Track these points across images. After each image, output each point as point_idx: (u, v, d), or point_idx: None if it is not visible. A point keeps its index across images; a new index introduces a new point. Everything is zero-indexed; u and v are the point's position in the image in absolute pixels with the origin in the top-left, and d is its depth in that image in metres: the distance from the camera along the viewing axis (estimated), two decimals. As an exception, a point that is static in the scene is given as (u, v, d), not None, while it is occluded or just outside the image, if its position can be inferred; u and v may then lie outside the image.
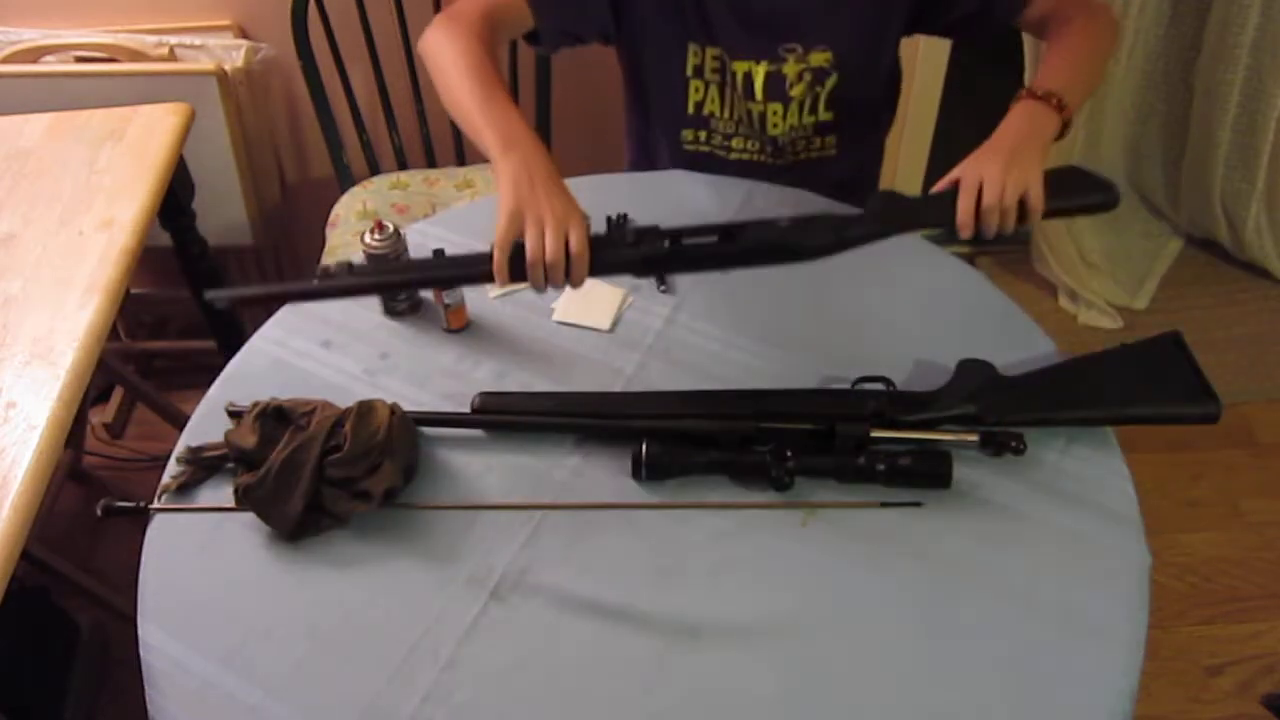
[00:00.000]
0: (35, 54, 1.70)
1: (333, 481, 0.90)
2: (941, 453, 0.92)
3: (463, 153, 1.82)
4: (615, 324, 1.11)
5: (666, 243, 0.91)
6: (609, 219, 1.22)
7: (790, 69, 1.21)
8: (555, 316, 1.12)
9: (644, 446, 0.92)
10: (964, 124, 2.00)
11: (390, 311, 1.12)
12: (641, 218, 1.23)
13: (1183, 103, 2.12)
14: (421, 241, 1.18)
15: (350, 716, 0.80)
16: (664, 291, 1.14)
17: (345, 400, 0.96)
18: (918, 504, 0.91)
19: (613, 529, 0.92)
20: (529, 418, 0.98)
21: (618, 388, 1.04)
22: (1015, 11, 1.14)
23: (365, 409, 0.94)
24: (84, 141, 1.41)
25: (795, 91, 1.23)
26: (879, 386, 0.98)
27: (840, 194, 1.25)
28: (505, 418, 0.99)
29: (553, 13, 1.13)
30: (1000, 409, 0.95)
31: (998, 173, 0.92)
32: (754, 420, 0.94)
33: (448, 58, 1.01)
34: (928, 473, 0.91)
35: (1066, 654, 0.81)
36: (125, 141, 1.40)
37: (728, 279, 1.15)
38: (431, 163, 1.81)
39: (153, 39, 1.72)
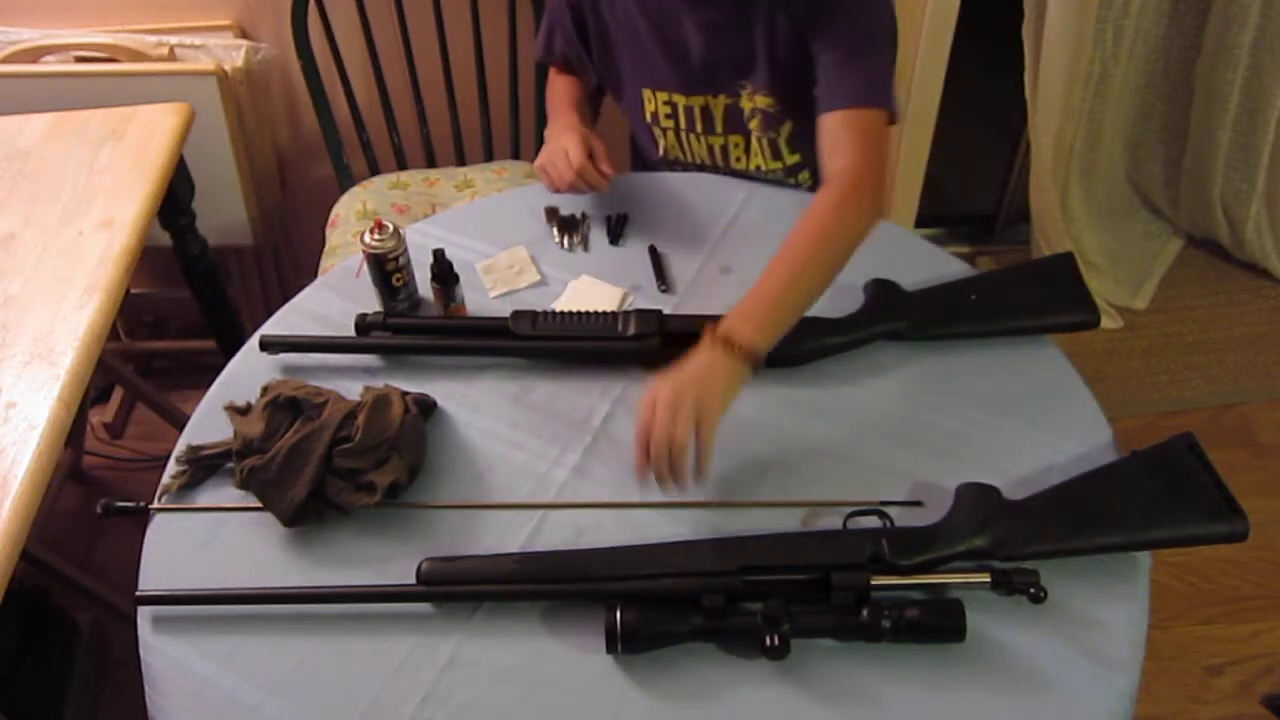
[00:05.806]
0: (35, 54, 1.70)
1: (338, 472, 0.91)
2: (952, 601, 0.82)
3: (463, 153, 1.82)
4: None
5: (658, 340, 1.03)
6: (609, 219, 1.23)
7: (745, 104, 1.23)
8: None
9: (618, 615, 0.80)
10: (964, 124, 2.02)
11: (390, 311, 1.12)
12: (641, 218, 1.24)
13: (1183, 103, 2.12)
14: (422, 241, 1.18)
15: (350, 716, 0.80)
16: (664, 291, 1.14)
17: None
18: (919, 504, 0.91)
19: (613, 529, 0.92)
20: (488, 587, 0.86)
21: (618, 386, 1.04)
22: (830, 107, 1.07)
23: (381, 401, 0.94)
24: (84, 141, 1.41)
25: (752, 125, 1.24)
26: (874, 521, 0.89)
27: None
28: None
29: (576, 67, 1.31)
30: (1012, 541, 0.85)
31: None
32: (739, 574, 0.83)
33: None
34: (939, 628, 0.81)
35: (1067, 653, 0.81)
36: (125, 141, 1.40)
37: (730, 279, 1.15)
38: (431, 163, 1.81)
39: (153, 39, 1.72)
